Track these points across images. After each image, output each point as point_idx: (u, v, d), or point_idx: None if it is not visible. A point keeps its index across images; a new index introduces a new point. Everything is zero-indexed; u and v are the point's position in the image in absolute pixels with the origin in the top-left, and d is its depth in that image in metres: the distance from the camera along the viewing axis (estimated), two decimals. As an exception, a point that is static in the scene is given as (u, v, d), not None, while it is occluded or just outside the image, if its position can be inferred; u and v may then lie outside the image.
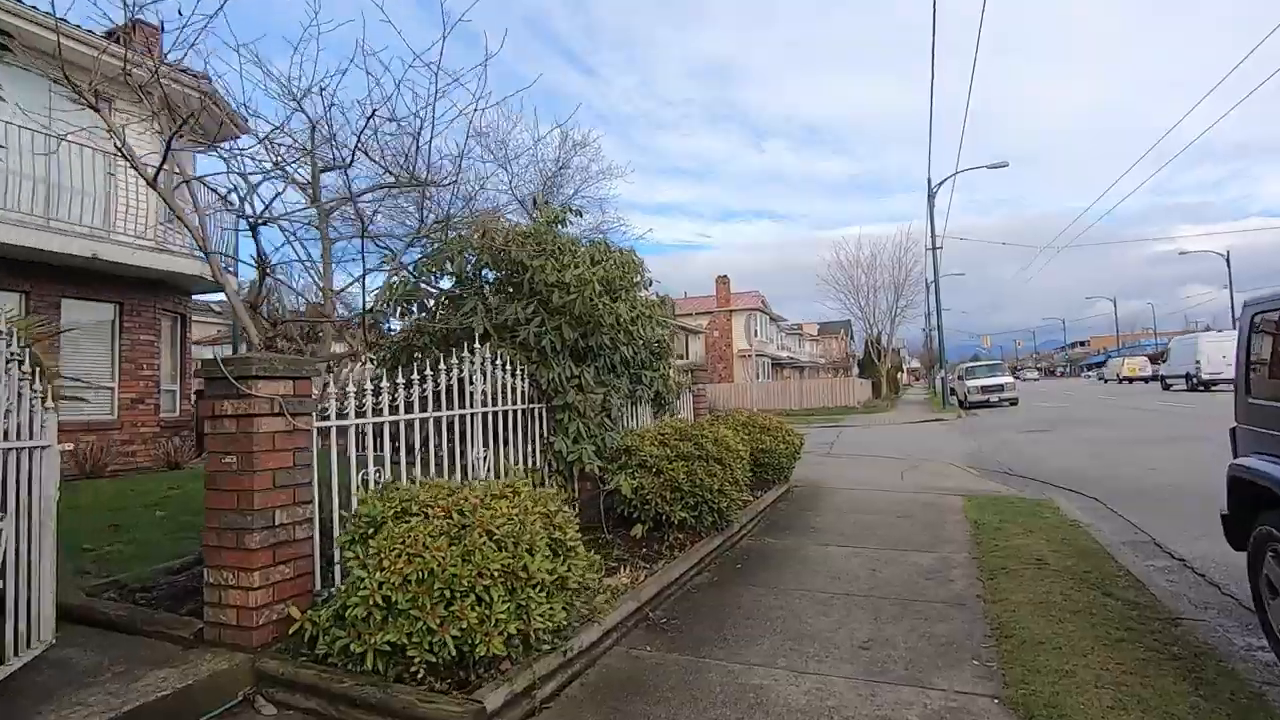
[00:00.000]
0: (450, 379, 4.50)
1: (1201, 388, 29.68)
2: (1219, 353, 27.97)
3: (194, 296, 12.63)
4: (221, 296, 13.25)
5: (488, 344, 5.19)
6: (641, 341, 6.64)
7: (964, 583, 4.78)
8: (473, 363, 4.73)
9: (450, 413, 4.44)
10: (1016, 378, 35.19)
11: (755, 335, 44.44)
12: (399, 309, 5.83)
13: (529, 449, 5.36)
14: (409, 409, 4.14)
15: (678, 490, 5.15)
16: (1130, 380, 50.28)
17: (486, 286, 5.79)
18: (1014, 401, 29.86)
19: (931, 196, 29.24)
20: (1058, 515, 6.93)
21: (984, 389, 30.26)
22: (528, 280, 5.39)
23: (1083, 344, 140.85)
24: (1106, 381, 55.52)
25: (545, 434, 5.54)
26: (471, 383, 4.73)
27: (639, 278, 6.96)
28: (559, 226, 6.32)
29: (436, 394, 4.40)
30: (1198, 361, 30.44)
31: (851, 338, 70.34)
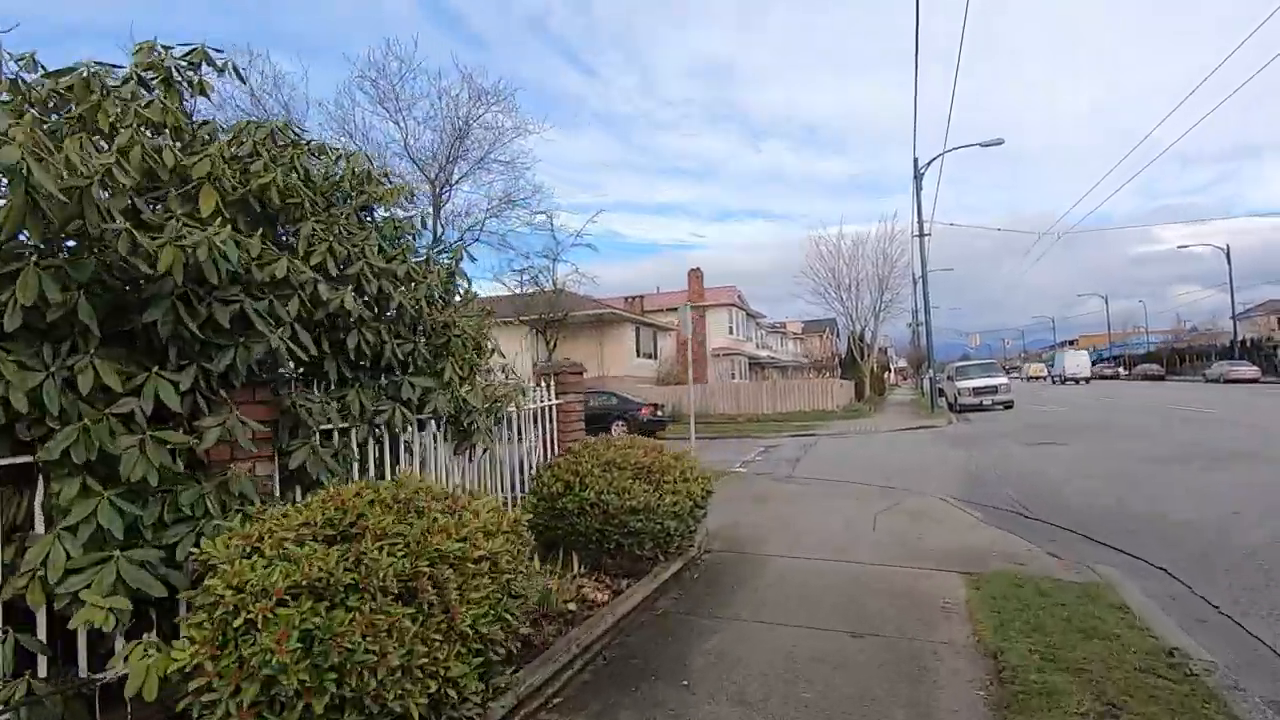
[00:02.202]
0: None
1: (1072, 381, 51.17)
2: (1073, 362, 53.59)
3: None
4: None
5: None
6: (372, 320, 3.58)
7: None
8: None
9: None
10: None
11: (731, 332, 41.46)
12: None
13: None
14: None
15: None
16: (1035, 379, 68.59)
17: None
18: (1009, 405, 27.05)
19: (918, 177, 26.34)
20: (1132, 628, 3.90)
21: (976, 391, 27.45)
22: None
23: (1071, 343, 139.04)
24: (1025, 380, 69.24)
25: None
26: None
27: (372, 185, 3.90)
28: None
29: None
30: (1064, 366, 53.51)
31: (837, 336, 67.60)
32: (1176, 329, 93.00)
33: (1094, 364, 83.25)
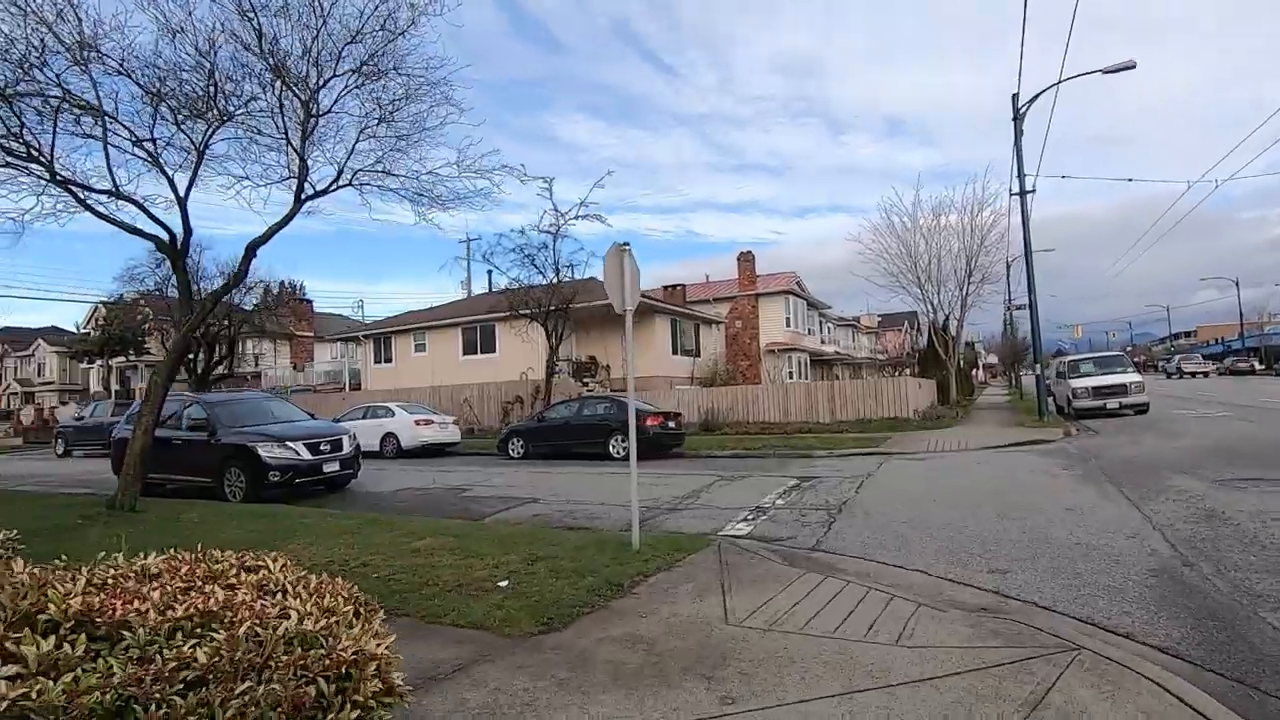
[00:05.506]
0: None
1: None
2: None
3: None
4: None
5: None
6: None
7: None
8: None
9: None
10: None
11: (789, 325, 36.08)
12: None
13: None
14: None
15: None
16: None
17: None
18: (1143, 408, 20.92)
19: (1019, 117, 20.53)
20: None
21: (1097, 391, 21.44)
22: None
23: (1188, 334, 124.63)
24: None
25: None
26: None
27: None
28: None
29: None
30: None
31: (917, 330, 60.51)
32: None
33: (1222, 358, 75.79)
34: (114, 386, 44.66)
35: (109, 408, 25.56)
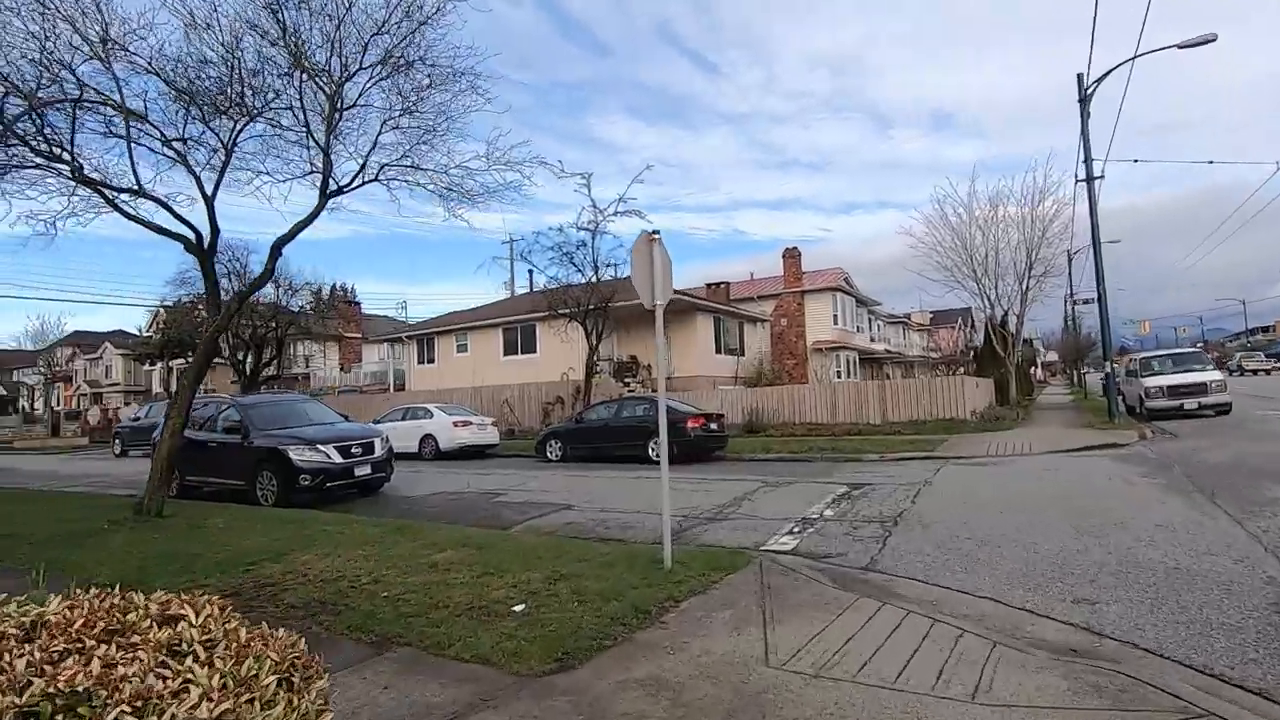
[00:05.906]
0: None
1: None
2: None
3: None
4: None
5: None
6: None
7: None
8: None
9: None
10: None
11: (836, 322, 34.95)
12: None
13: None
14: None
15: None
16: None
17: None
18: (1224, 409, 19.36)
19: (1085, 99, 19.21)
20: None
21: (1173, 390, 19.95)
22: None
23: (1266, 329, 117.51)
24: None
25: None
26: None
27: None
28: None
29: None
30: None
31: (972, 326, 58.20)
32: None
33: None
34: (173, 387, 46.17)
35: (163, 408, 26.20)
